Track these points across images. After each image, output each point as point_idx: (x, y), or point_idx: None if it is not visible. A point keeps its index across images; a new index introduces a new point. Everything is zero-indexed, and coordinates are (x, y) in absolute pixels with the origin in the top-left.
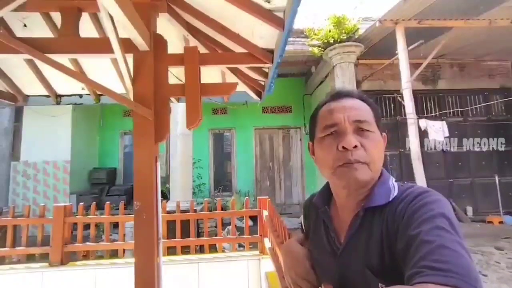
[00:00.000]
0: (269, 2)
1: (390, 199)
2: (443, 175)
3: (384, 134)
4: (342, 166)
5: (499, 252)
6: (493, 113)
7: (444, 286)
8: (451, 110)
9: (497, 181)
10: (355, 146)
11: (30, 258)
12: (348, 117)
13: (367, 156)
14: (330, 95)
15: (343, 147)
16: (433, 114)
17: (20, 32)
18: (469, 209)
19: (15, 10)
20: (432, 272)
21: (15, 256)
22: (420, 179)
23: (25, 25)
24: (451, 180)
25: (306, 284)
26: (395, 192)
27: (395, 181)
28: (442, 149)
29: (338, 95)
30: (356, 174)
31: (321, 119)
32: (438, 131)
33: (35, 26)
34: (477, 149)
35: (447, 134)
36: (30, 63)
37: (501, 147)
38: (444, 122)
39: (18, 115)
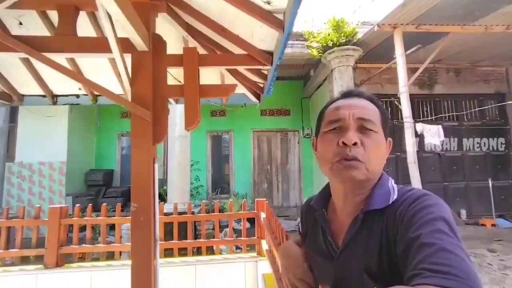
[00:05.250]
0: (269, 3)
1: (390, 203)
2: (439, 179)
3: (389, 139)
4: (339, 161)
5: (492, 254)
6: (488, 118)
7: None
8: (447, 115)
9: (490, 185)
10: (355, 143)
11: (24, 260)
12: (353, 114)
13: (365, 155)
14: (341, 93)
15: (343, 143)
16: (429, 118)
17: (15, 30)
18: (463, 212)
19: (11, 7)
20: (432, 274)
21: (9, 258)
22: (416, 182)
23: (20, 23)
24: (446, 183)
25: (304, 285)
26: (394, 195)
27: (394, 183)
28: (438, 153)
29: (349, 94)
30: (352, 172)
31: (327, 115)
32: (434, 135)
33: (31, 25)
34: (472, 153)
35: (442, 138)
36: (26, 62)
37: (495, 151)
38: (440, 126)
39: (13, 115)
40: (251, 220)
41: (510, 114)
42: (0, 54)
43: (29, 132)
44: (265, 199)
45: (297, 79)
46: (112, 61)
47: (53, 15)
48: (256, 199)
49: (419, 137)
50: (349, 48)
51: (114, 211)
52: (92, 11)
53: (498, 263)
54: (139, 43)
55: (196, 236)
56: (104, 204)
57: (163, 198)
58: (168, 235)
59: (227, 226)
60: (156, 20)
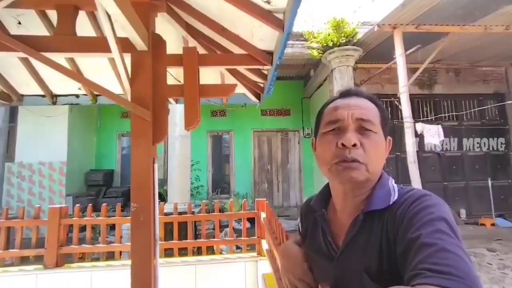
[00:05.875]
0: (269, 3)
1: (390, 203)
2: (438, 178)
3: (389, 138)
4: (338, 163)
5: (491, 254)
6: (487, 118)
7: None
8: (447, 114)
9: (490, 185)
10: (354, 145)
11: (24, 261)
12: (352, 115)
13: (365, 156)
14: (339, 93)
15: (342, 144)
16: (429, 118)
17: (14, 30)
18: (463, 212)
19: (10, 6)
20: (432, 274)
21: (8, 259)
22: (416, 182)
23: (19, 23)
24: (446, 183)
25: (304, 285)
26: (395, 196)
27: (394, 182)
28: (438, 153)
29: (347, 93)
30: (352, 173)
31: (325, 115)
32: (433, 135)
33: (30, 24)
34: (471, 153)
35: (442, 138)
36: (25, 62)
37: (494, 151)
38: (439, 126)
39: (12, 115)
40: (251, 220)
41: (509, 114)
42: None
43: (29, 132)
44: (265, 199)
45: (297, 79)
46: (112, 61)
47: (52, 14)
48: (256, 199)
49: (419, 137)
50: (349, 48)
51: (114, 211)
52: (91, 10)
53: (497, 263)
54: (139, 43)
55: (196, 236)
56: (104, 204)
57: (163, 198)
58: (168, 235)
59: (227, 226)
60: (155, 20)
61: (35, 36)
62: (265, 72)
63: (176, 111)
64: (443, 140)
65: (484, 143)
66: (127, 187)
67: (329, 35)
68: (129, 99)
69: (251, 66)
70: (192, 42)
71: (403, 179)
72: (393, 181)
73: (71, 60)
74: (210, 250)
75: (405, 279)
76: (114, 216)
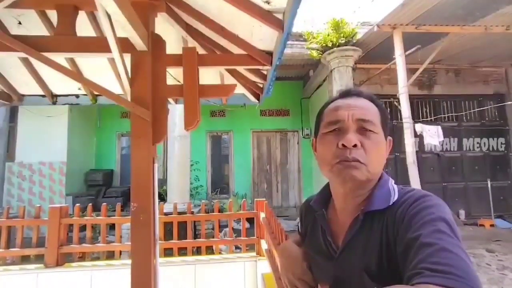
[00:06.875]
0: (268, 3)
1: (390, 203)
2: (438, 179)
3: (389, 138)
4: (340, 162)
5: (490, 255)
6: (487, 118)
7: (444, 287)
8: (446, 115)
9: (489, 185)
10: (355, 145)
11: (25, 260)
12: (352, 115)
13: (365, 157)
14: (339, 93)
15: (343, 145)
16: (429, 118)
17: (15, 30)
18: (462, 213)
19: (10, 6)
20: (432, 273)
21: (9, 258)
22: (415, 183)
23: (20, 23)
24: (445, 184)
25: (303, 284)
26: (395, 196)
27: (394, 183)
28: (437, 153)
29: (347, 93)
30: (353, 171)
31: (326, 116)
32: (433, 135)
33: (31, 24)
34: (470, 154)
35: (442, 139)
36: (26, 62)
37: (494, 151)
38: (439, 127)
39: (13, 115)
40: (251, 220)
41: (509, 114)
42: (0, 53)
43: (29, 132)
44: (264, 199)
45: (296, 79)
46: (112, 61)
47: (52, 14)
48: (255, 199)
49: (419, 137)
50: (348, 49)
51: (114, 211)
52: (91, 10)
53: (496, 263)
54: (139, 43)
55: (195, 236)
56: (104, 204)
57: (163, 198)
58: (168, 235)
59: (226, 226)
60: (155, 20)
61: (35, 36)
62: (265, 72)
63: (176, 111)
64: (442, 141)
65: (484, 144)
66: (127, 187)
67: (328, 35)
68: (129, 99)
69: (250, 66)
70: (192, 42)
71: (402, 179)
72: (393, 181)
73: (71, 60)
74: (210, 250)
75: (405, 279)
76: (114, 216)
